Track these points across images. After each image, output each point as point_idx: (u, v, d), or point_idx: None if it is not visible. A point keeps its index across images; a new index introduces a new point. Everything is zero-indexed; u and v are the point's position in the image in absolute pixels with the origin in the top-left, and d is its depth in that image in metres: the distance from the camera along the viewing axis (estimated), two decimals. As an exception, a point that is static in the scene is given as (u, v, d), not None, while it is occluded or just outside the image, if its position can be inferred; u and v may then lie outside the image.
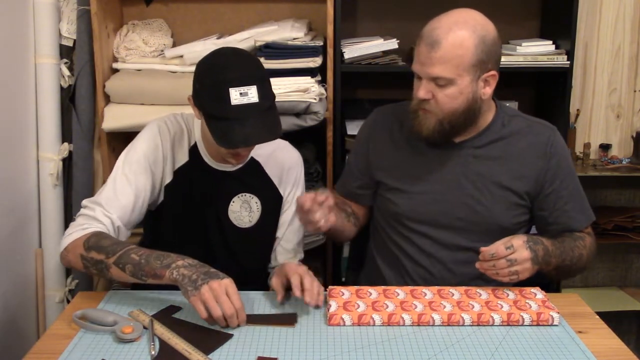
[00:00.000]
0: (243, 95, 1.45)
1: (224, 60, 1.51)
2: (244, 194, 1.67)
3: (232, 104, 1.44)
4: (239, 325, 1.37)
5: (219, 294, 1.34)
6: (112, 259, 1.43)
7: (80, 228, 1.51)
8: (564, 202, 1.65)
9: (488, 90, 1.58)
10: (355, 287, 1.51)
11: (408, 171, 1.70)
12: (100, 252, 1.45)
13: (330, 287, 1.52)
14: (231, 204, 1.66)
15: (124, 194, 1.56)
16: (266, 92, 1.50)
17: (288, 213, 1.73)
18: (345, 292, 1.48)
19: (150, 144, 1.61)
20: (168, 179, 1.64)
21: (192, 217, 1.66)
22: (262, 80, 1.50)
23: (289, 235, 1.74)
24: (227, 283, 1.37)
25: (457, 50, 1.50)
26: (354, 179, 1.81)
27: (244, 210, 1.67)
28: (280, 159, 1.72)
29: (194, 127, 1.67)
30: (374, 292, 1.49)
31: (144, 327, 1.35)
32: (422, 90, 1.55)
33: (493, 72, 1.57)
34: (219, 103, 1.45)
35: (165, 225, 1.68)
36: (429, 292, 1.50)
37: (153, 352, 1.26)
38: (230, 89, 1.45)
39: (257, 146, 1.64)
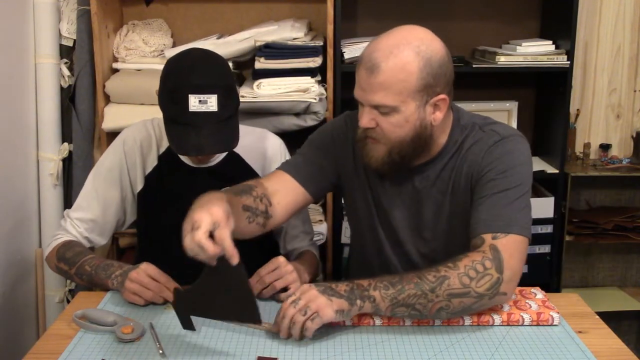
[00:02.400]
0: (202, 103, 1.46)
1: (189, 63, 1.51)
2: (229, 187, 1.66)
3: (190, 110, 1.45)
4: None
5: (141, 279, 1.42)
6: (73, 270, 1.54)
7: (55, 239, 1.64)
8: (479, 204, 1.43)
9: (439, 116, 1.43)
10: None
11: (368, 197, 1.60)
12: (65, 264, 1.56)
13: None
14: None
15: (91, 207, 1.66)
16: (228, 102, 1.50)
17: None
18: None
19: (115, 156, 1.69)
20: (139, 186, 1.69)
21: (174, 218, 1.65)
22: (225, 88, 1.50)
23: (292, 221, 1.73)
24: (144, 267, 1.44)
25: (398, 74, 1.35)
26: (310, 163, 1.61)
27: None
28: (261, 149, 1.73)
29: None
30: None
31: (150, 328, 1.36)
32: (364, 119, 1.41)
33: (443, 96, 1.40)
34: (178, 107, 1.47)
35: (150, 228, 1.69)
36: None
37: (161, 352, 1.26)
38: (189, 95, 1.45)
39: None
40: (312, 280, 1.66)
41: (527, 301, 1.45)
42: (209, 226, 1.19)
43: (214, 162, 1.67)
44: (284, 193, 1.54)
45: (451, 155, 1.51)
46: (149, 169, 1.68)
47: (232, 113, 1.53)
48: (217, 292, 1.24)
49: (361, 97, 1.42)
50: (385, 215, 1.59)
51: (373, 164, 1.47)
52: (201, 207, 1.23)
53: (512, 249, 1.35)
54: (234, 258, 1.19)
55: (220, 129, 1.49)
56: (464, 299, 1.31)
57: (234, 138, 1.54)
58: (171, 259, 1.64)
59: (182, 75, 1.49)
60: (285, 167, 1.60)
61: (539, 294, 1.49)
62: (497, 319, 1.39)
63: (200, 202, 1.26)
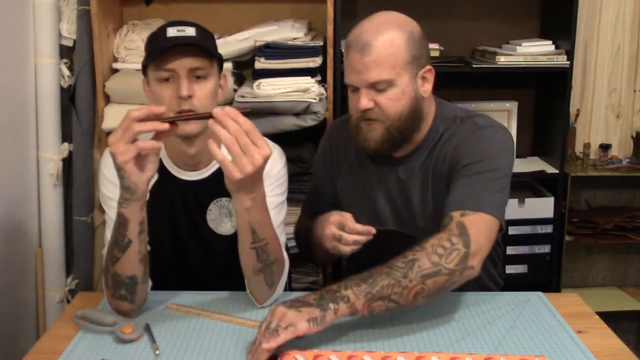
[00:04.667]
0: (180, 31, 1.45)
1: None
2: (219, 199, 1.58)
3: (167, 36, 1.44)
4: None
5: (115, 132, 1.28)
6: (107, 261, 1.40)
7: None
8: (453, 187, 1.45)
9: (428, 87, 1.52)
10: (314, 354, 1.23)
11: (355, 190, 1.66)
12: (106, 273, 1.42)
13: (284, 351, 1.23)
14: (208, 212, 1.58)
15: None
16: (206, 37, 1.48)
17: None
18: None
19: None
20: (147, 196, 1.50)
21: (168, 231, 1.60)
22: (203, 33, 1.48)
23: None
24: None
25: (389, 49, 1.44)
26: (323, 196, 1.74)
27: (223, 216, 1.58)
28: None
29: None
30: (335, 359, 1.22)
31: (144, 329, 1.36)
32: (363, 100, 1.45)
33: (429, 67, 1.51)
34: (156, 42, 1.46)
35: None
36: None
37: (157, 352, 1.26)
38: (168, 27, 1.46)
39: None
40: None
41: None
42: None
43: (206, 173, 1.58)
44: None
45: (433, 145, 1.56)
46: (152, 182, 1.53)
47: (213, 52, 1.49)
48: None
49: (357, 80, 1.47)
50: (372, 207, 1.62)
51: (372, 145, 1.50)
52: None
53: (479, 225, 1.35)
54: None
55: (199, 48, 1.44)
56: (436, 279, 1.28)
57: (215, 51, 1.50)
58: (165, 269, 1.59)
59: (159, 28, 1.50)
60: (306, 214, 1.79)
61: None
62: None
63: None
